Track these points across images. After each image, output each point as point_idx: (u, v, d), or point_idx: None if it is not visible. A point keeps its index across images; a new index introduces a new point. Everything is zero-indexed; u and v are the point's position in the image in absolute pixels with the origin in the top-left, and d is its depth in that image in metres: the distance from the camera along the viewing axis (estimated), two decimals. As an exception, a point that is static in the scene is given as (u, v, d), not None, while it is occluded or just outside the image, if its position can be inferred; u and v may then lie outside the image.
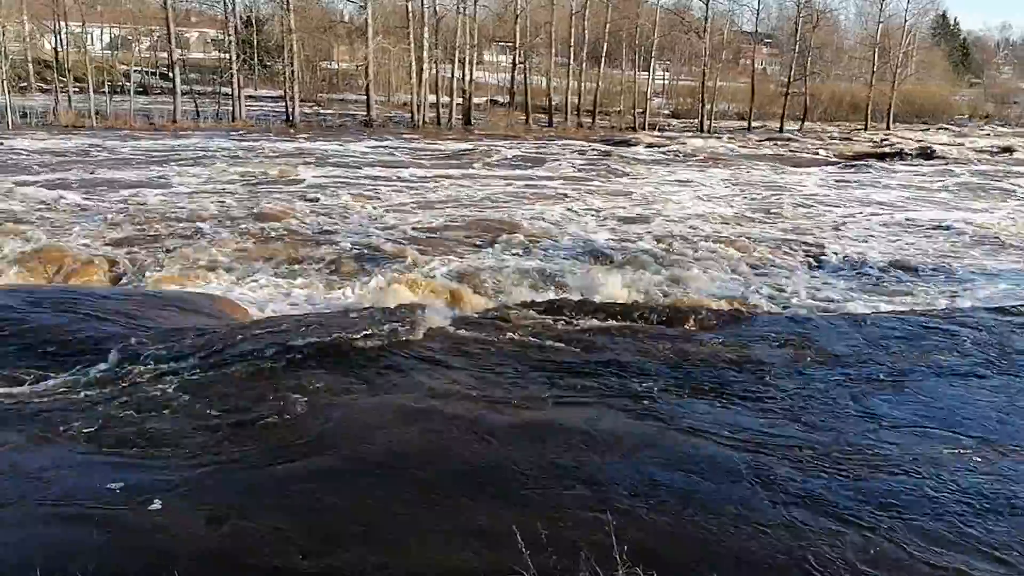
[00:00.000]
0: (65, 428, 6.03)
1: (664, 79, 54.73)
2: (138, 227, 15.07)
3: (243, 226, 15.39)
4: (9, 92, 34.55)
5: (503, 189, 21.72)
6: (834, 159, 32.02)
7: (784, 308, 11.20)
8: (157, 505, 4.95)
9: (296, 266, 12.85)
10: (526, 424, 6.31)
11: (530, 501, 5.16)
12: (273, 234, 14.83)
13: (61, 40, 37.48)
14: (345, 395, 6.81)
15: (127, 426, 6.10)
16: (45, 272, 11.91)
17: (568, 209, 18.75)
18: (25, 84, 38.99)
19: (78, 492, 5.13)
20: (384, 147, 30.96)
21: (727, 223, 17.67)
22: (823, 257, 14.54)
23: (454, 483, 5.36)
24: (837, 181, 25.65)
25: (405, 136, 35.60)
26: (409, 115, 40.11)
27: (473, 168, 25.93)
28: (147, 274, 12.11)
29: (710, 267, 13.47)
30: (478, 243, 14.82)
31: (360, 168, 24.90)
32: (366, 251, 13.79)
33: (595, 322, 9.30)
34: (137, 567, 4.43)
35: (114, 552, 4.57)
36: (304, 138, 33.13)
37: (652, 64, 44.34)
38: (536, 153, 31.22)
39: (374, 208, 18.06)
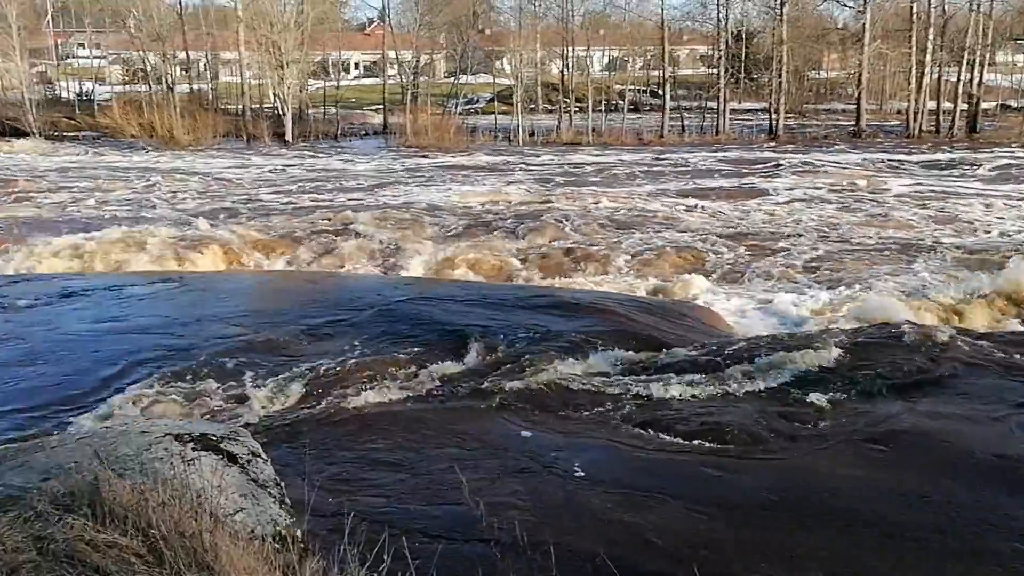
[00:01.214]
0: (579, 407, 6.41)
1: None
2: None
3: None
4: (521, 113, 39.16)
5: None
6: None
7: None
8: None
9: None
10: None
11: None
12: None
13: (567, 64, 41.37)
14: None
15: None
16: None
17: None
18: (534, 106, 43.77)
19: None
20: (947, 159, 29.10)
21: None
22: None
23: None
24: None
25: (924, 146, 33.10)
26: (903, 123, 37.19)
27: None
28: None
29: None
30: None
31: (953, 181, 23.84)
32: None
33: None
34: None
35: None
36: (849, 150, 32.49)
37: None
38: None
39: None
